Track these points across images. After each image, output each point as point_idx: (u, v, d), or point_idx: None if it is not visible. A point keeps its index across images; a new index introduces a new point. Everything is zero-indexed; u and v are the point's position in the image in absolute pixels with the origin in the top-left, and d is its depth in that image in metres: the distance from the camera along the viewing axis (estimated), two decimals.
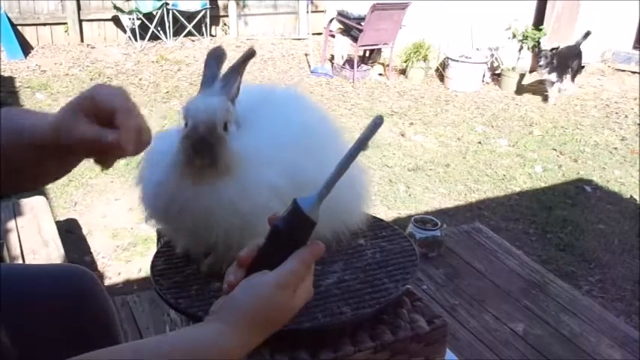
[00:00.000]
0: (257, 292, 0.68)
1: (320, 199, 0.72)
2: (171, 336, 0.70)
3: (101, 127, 0.72)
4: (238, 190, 0.88)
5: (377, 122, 0.72)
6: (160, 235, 1.17)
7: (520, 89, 6.26)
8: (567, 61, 5.85)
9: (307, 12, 7.30)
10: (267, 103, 1.02)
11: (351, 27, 6.39)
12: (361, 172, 1.06)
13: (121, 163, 4.00)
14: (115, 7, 6.71)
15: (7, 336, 0.87)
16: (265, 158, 0.91)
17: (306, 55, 7.03)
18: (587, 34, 5.95)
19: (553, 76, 5.74)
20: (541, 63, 5.77)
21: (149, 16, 6.76)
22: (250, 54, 0.91)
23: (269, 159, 0.92)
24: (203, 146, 0.86)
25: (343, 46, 6.54)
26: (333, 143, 1.03)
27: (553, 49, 5.89)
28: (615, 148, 4.86)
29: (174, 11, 6.90)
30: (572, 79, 6.01)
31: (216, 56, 0.93)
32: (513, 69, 6.35)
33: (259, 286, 0.68)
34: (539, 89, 6.19)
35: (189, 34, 7.10)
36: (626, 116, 5.72)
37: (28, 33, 6.59)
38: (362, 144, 0.72)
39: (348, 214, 1.03)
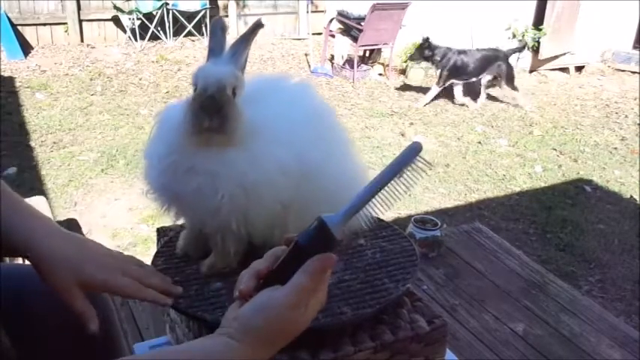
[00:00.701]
0: (268, 315, 0.66)
1: (345, 219, 0.67)
2: (179, 348, 0.70)
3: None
4: (248, 158, 0.87)
5: (413, 148, 0.65)
6: (160, 235, 1.17)
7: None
8: (467, 68, 5.56)
9: (307, 12, 7.30)
10: (278, 89, 1.01)
11: (351, 27, 6.39)
12: (363, 172, 1.06)
13: (120, 163, 4.01)
14: (115, 7, 6.71)
15: (6, 336, 0.87)
16: (274, 135, 0.91)
17: (306, 55, 7.03)
18: (523, 47, 5.71)
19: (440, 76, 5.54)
20: (427, 55, 5.49)
21: (149, 16, 6.76)
22: (258, 25, 0.90)
23: (277, 137, 0.91)
24: (212, 105, 0.84)
25: (343, 46, 6.54)
26: (339, 138, 1.02)
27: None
28: (615, 148, 4.86)
29: (174, 11, 6.90)
30: (505, 86, 5.70)
31: (221, 26, 0.93)
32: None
33: (271, 308, 0.66)
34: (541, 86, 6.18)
35: (189, 34, 7.10)
36: (626, 116, 5.72)
37: (28, 33, 6.59)
38: (396, 171, 0.66)
39: None
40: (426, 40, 5.52)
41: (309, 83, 1.08)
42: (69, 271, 0.81)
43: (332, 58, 6.72)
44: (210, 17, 7.19)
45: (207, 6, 7.09)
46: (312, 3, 7.37)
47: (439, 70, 5.58)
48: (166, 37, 6.99)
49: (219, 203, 0.89)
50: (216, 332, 0.68)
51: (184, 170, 0.89)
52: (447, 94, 6.10)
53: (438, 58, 5.51)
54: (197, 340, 0.70)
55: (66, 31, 6.77)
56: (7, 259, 2.23)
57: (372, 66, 6.67)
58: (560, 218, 3.58)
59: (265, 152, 0.89)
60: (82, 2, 6.74)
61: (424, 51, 5.53)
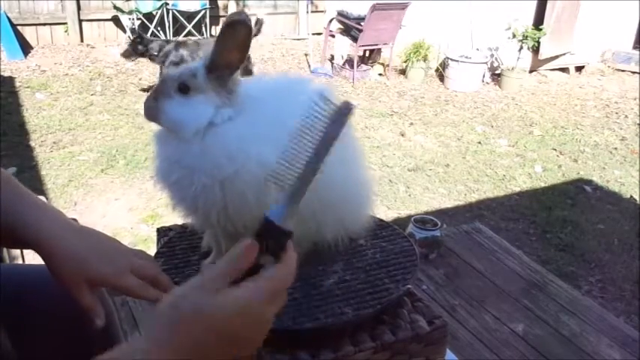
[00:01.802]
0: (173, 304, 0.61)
1: (289, 206, 0.64)
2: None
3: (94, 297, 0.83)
4: (223, 152, 0.88)
5: (344, 111, 0.59)
6: (159, 235, 1.17)
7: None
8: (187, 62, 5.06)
9: (307, 12, 7.31)
10: (292, 92, 1.00)
11: (351, 27, 6.39)
12: (371, 181, 1.05)
13: (120, 163, 4.01)
14: (115, 7, 6.71)
15: (7, 338, 0.87)
16: (262, 135, 0.89)
17: (306, 55, 7.03)
18: (257, 22, 4.99)
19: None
20: (154, 52, 5.00)
21: (149, 16, 6.76)
22: (230, 23, 0.83)
23: (268, 137, 0.88)
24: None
25: (343, 46, 6.54)
26: (350, 146, 1.01)
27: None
28: (615, 148, 4.86)
29: (174, 11, 6.90)
30: None
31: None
32: (513, 69, 6.35)
33: (175, 297, 0.61)
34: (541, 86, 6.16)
35: (189, 34, 7.10)
36: (626, 116, 5.72)
37: (28, 33, 6.60)
38: (330, 141, 0.62)
39: (352, 218, 1.02)
40: (138, 35, 5.09)
41: (327, 89, 1.06)
42: (77, 267, 0.81)
43: (332, 58, 6.72)
44: (210, 17, 7.20)
45: (207, 6, 7.09)
46: (312, 3, 7.37)
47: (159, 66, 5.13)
48: (166, 37, 6.99)
49: (194, 194, 0.89)
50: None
51: (169, 163, 0.92)
52: (445, 93, 6.10)
53: (155, 53, 5.04)
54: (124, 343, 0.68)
55: (66, 31, 6.77)
56: (8, 259, 2.24)
57: (371, 66, 6.68)
58: (560, 218, 3.58)
59: (247, 150, 0.88)
60: (82, 2, 6.75)
61: (137, 47, 5.05)
